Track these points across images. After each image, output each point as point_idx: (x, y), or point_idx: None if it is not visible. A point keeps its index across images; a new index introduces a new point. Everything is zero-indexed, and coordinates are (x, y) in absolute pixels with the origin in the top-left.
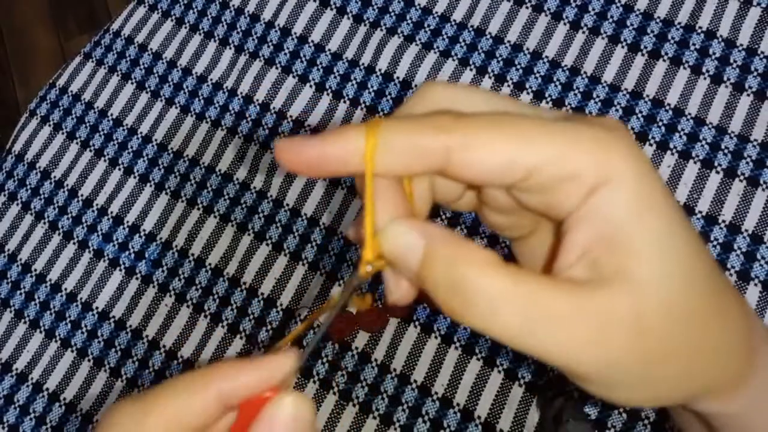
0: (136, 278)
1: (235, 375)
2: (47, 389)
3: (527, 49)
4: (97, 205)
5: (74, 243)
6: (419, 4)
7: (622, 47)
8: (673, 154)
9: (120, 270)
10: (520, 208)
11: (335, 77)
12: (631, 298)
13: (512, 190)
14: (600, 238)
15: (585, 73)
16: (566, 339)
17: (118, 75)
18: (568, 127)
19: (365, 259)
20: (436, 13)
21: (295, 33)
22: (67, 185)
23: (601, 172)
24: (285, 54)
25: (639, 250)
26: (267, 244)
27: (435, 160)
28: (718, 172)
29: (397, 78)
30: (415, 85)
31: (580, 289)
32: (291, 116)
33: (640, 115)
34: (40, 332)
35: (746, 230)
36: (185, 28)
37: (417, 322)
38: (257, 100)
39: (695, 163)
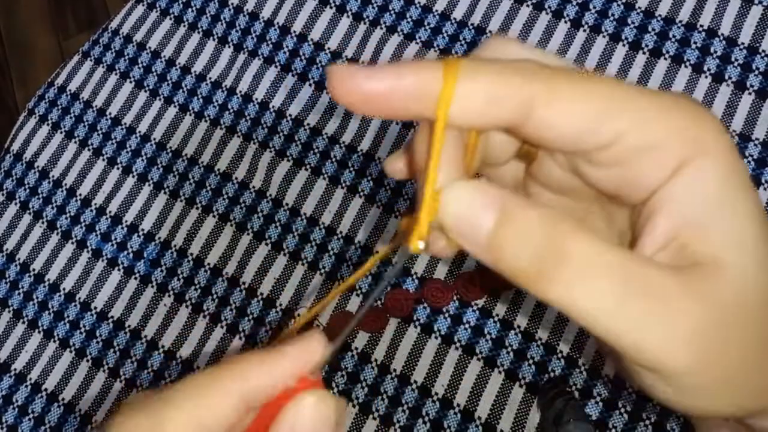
0: (135, 278)
1: (259, 372)
2: (46, 389)
3: None
4: (95, 204)
5: (73, 243)
6: (419, 3)
7: (623, 45)
8: None
9: (119, 270)
10: (577, 186)
11: None
12: (734, 287)
13: (584, 162)
14: (691, 221)
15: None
16: (665, 324)
17: (116, 74)
18: (657, 94)
19: (419, 229)
20: (437, 11)
21: (295, 31)
22: (66, 184)
23: (692, 145)
24: (284, 52)
25: (736, 236)
26: (266, 244)
27: (516, 111)
28: None
29: None
30: None
31: (680, 271)
32: (290, 115)
33: None
34: (39, 332)
35: None
36: (184, 26)
37: (417, 323)
38: (256, 98)
39: None
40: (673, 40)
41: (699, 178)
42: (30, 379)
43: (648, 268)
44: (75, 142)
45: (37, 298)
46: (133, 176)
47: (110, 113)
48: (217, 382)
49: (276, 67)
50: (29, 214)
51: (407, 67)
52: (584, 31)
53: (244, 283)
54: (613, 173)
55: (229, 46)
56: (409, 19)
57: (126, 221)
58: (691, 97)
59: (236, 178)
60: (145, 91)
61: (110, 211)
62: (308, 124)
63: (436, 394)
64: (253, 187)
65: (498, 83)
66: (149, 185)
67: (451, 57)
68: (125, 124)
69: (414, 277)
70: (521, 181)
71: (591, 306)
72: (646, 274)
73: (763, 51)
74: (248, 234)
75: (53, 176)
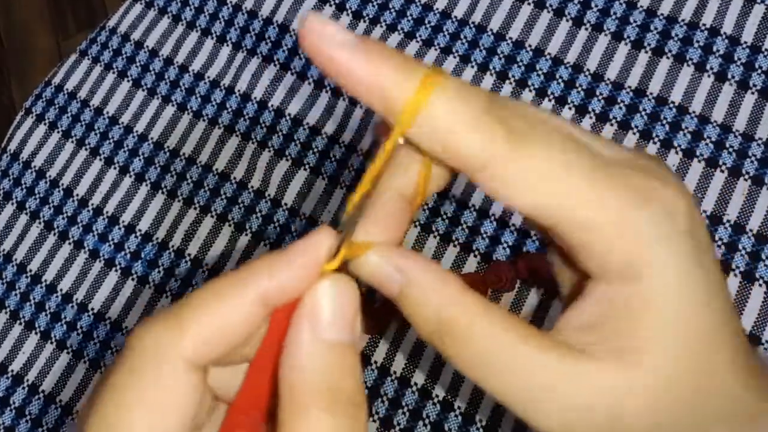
0: (133, 279)
1: (272, 270)
2: (43, 391)
3: (529, 46)
4: (92, 204)
5: (70, 243)
6: (420, 1)
7: (626, 44)
8: (677, 152)
9: (116, 270)
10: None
11: None
12: (644, 382)
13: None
14: (620, 312)
15: (588, 70)
16: (555, 411)
17: (113, 73)
18: (620, 187)
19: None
20: (437, 9)
21: (294, 30)
22: (63, 184)
23: (635, 260)
24: (283, 51)
25: (654, 337)
26: (265, 244)
27: (472, 161)
28: (722, 171)
29: None
30: None
31: (578, 360)
32: (289, 114)
33: (643, 113)
34: (36, 333)
35: (751, 230)
36: (182, 25)
37: None
38: (255, 97)
39: (699, 161)
40: (676, 38)
41: (634, 288)
42: (27, 380)
43: (539, 355)
44: (72, 142)
45: (34, 299)
46: (131, 176)
47: (108, 112)
48: (232, 285)
49: (275, 65)
50: (26, 214)
51: (388, 57)
52: (586, 29)
53: None
54: (560, 241)
55: (228, 45)
56: (410, 17)
57: (123, 221)
58: (668, 175)
59: (235, 178)
60: (143, 90)
61: (107, 212)
62: (307, 124)
63: (437, 396)
64: (252, 187)
65: (468, 125)
66: (147, 185)
67: (437, 69)
68: (123, 123)
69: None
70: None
71: (475, 374)
72: (537, 362)
73: (766, 50)
74: (247, 234)
75: (50, 176)
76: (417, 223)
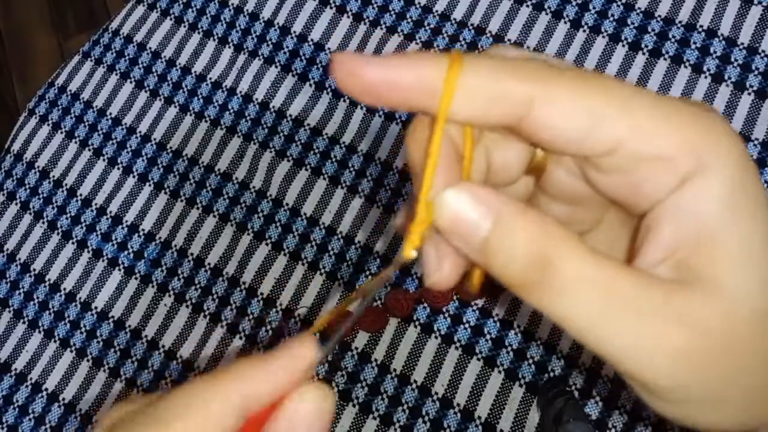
0: (135, 278)
1: (253, 377)
2: (46, 389)
3: (528, 47)
4: (96, 204)
5: (73, 243)
6: (419, 3)
7: (623, 46)
8: None
9: (119, 270)
10: (587, 195)
11: None
12: (725, 307)
13: (590, 168)
14: (691, 236)
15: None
16: (648, 341)
17: (116, 74)
18: (666, 99)
19: (414, 232)
20: (436, 11)
21: (295, 32)
22: (66, 185)
23: (699, 158)
24: (284, 53)
25: (734, 255)
26: (266, 244)
27: (516, 108)
28: None
29: None
30: None
31: (670, 288)
32: (291, 115)
33: None
34: (39, 332)
35: None
36: (184, 26)
37: (417, 322)
38: (256, 99)
39: None
40: (673, 40)
41: (703, 193)
42: (30, 379)
43: (637, 283)
44: (75, 143)
45: (38, 298)
46: (134, 176)
47: (110, 113)
48: (215, 389)
49: (276, 67)
50: (30, 214)
51: (411, 58)
52: (584, 31)
53: (244, 283)
54: (617, 180)
55: (230, 47)
56: (409, 20)
57: (126, 221)
58: (707, 106)
59: (236, 179)
60: (146, 92)
61: (111, 211)
62: (308, 125)
63: (436, 393)
64: (254, 187)
65: (500, 79)
66: (149, 185)
67: (454, 50)
68: (125, 124)
69: (414, 276)
70: (531, 194)
71: (575, 317)
72: (634, 290)
73: (763, 51)
74: (248, 234)
75: (54, 176)
76: None
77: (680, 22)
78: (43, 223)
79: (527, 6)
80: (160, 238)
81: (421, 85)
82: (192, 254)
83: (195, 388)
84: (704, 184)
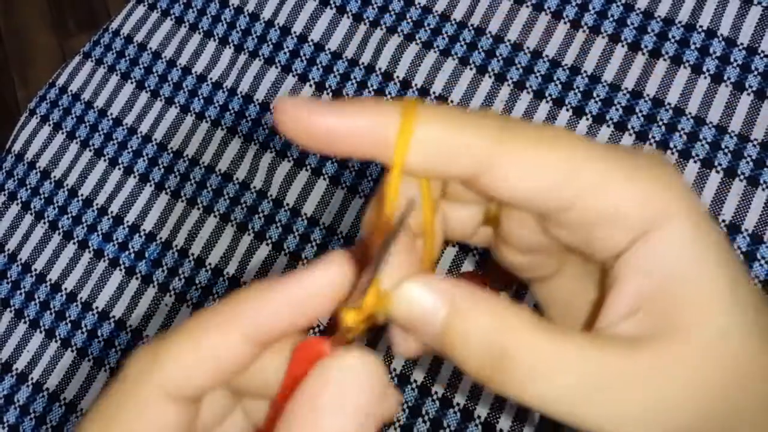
0: (136, 278)
1: (255, 304)
2: (47, 389)
3: (527, 48)
4: (97, 204)
5: (74, 243)
6: (419, 3)
7: (623, 46)
8: (673, 153)
9: (120, 270)
10: (546, 244)
11: (335, 76)
12: (696, 358)
13: (547, 222)
14: (657, 288)
15: (585, 72)
16: (623, 409)
17: (117, 74)
18: (622, 153)
19: (358, 318)
20: (436, 12)
21: (295, 32)
22: (67, 185)
23: (658, 210)
24: (285, 53)
25: (703, 302)
26: (267, 244)
27: (473, 163)
28: (718, 172)
29: (397, 77)
30: (415, 85)
31: (636, 350)
32: None
33: (640, 115)
34: (40, 332)
35: (746, 230)
36: (185, 27)
37: None
38: (257, 99)
39: (695, 162)
40: (673, 41)
41: (666, 244)
42: (31, 378)
43: (597, 355)
44: (76, 143)
45: (39, 297)
46: (135, 176)
47: (111, 114)
48: (215, 319)
49: (276, 67)
50: (31, 214)
51: (359, 107)
52: (583, 32)
53: (245, 284)
54: (575, 234)
55: (230, 47)
56: (409, 20)
57: (127, 221)
58: (661, 157)
59: (237, 179)
60: (146, 92)
61: (111, 212)
62: None
63: (436, 393)
64: (254, 187)
65: (456, 131)
66: (150, 185)
67: (407, 99)
68: (126, 124)
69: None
70: (492, 242)
71: (547, 405)
72: (596, 362)
73: (762, 51)
74: (249, 234)
75: (54, 177)
76: None
77: (680, 22)
78: (44, 223)
79: (527, 6)
80: (160, 238)
81: (373, 135)
82: (193, 254)
83: (199, 317)
84: (666, 236)
